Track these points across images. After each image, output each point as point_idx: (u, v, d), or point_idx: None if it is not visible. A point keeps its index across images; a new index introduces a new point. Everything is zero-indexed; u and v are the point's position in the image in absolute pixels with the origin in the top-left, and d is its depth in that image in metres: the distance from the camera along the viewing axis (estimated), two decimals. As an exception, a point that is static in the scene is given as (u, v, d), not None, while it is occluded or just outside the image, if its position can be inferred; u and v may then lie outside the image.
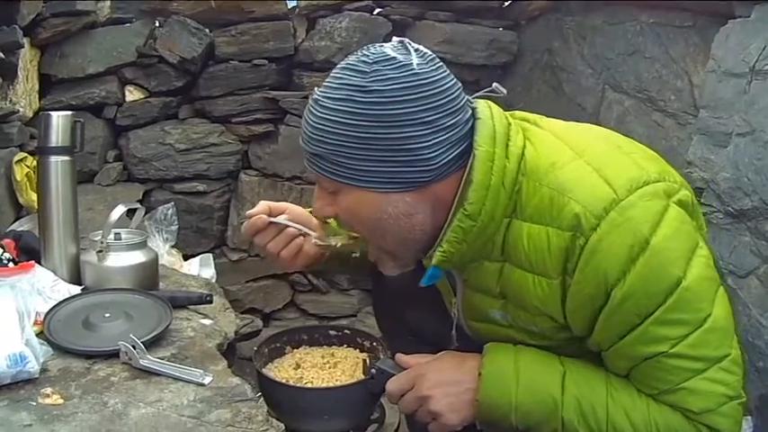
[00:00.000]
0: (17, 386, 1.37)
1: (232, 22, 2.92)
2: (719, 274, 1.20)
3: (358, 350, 1.58)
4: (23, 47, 2.50)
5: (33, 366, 1.39)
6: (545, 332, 1.26)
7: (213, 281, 2.55)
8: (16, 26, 2.37)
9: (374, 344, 1.55)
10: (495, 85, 1.28)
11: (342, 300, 3.22)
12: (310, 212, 1.28)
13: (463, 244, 1.19)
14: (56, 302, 1.68)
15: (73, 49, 2.79)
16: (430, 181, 1.17)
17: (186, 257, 2.74)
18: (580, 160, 1.17)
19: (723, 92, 1.86)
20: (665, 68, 2.35)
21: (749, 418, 1.68)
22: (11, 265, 1.84)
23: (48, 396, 1.35)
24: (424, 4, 3.06)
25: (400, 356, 1.35)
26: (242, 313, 3.01)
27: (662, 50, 2.36)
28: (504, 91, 1.27)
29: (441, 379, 1.28)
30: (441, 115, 1.14)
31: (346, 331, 1.62)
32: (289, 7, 3.01)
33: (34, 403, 1.32)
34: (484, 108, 1.22)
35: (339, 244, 1.40)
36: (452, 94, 1.17)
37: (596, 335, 1.18)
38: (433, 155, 1.15)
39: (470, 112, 1.20)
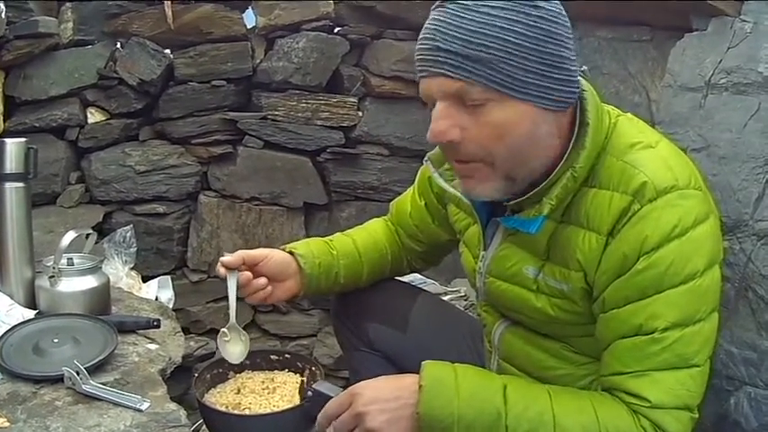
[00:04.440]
0: (-33, 410, 1.41)
1: (191, 44, 2.94)
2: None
3: (298, 374, 1.61)
4: (-15, 69, 2.52)
5: (-17, 391, 1.43)
6: (572, 294, 1.32)
7: (171, 303, 2.58)
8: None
9: (313, 368, 1.59)
10: (584, 68, 1.36)
11: (303, 320, 3.24)
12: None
13: (559, 201, 1.26)
14: (9, 327, 1.71)
15: (36, 71, 2.80)
16: (570, 105, 1.25)
17: (147, 279, 2.76)
18: (653, 149, 1.28)
19: (679, 106, 1.86)
20: (622, 84, 2.35)
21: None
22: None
23: (-4, 419, 1.39)
24: (381, 22, 3.08)
25: None
26: (203, 334, 3.03)
27: (620, 66, 2.36)
28: (589, 76, 1.36)
29: (377, 396, 1.27)
30: (573, 47, 1.24)
31: (287, 356, 1.65)
32: (248, 27, 3.02)
33: (-18, 426, 1.36)
34: (586, 83, 1.31)
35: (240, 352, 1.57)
36: None
37: (608, 293, 1.26)
38: (576, 78, 1.25)
39: None
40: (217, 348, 1.59)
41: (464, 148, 1.21)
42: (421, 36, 1.21)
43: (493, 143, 1.20)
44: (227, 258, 1.55)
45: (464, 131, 1.20)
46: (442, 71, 1.18)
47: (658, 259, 1.20)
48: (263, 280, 1.57)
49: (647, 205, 1.21)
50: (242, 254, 1.56)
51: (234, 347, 1.59)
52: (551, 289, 1.34)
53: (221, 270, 1.54)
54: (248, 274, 1.56)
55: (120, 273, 2.56)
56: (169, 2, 2.83)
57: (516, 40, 1.15)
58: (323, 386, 1.40)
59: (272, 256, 1.60)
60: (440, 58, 1.17)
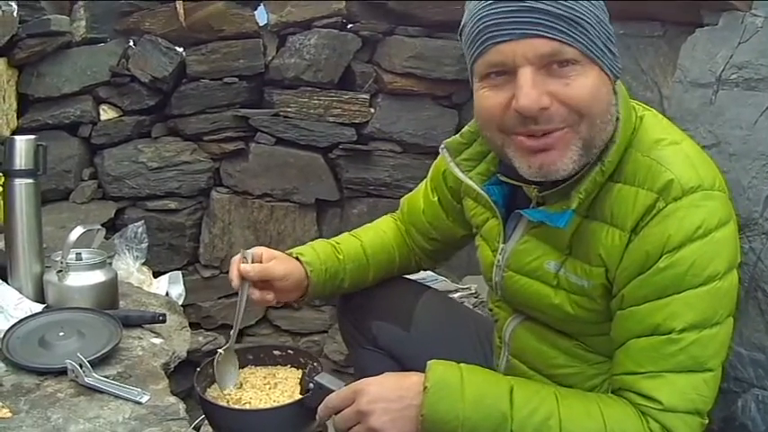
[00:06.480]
0: (-28, 400, 1.43)
1: (203, 41, 2.96)
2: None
3: (300, 370, 1.60)
4: None
5: (-13, 382, 1.44)
6: (592, 291, 1.30)
7: (181, 298, 2.59)
8: (-8, 47, 2.43)
9: (315, 364, 1.58)
10: None
11: (314, 316, 3.26)
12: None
13: (587, 194, 1.25)
14: (17, 320, 1.73)
15: (49, 69, 2.84)
16: (618, 77, 1.25)
17: (158, 275, 2.77)
18: (678, 146, 1.26)
19: (689, 103, 1.82)
20: (634, 80, 2.30)
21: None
22: (-24, 283, 1.88)
23: (-1, 409, 1.40)
24: (393, 19, 3.07)
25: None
26: (214, 329, 3.05)
27: (632, 61, 2.31)
28: None
29: (382, 394, 1.26)
30: None
31: (289, 351, 1.64)
32: (260, 24, 3.04)
33: (-15, 416, 1.38)
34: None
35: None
36: None
37: (627, 290, 1.24)
38: None
39: None
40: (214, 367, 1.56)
41: (554, 113, 1.17)
42: (491, 1, 1.17)
43: (582, 106, 1.17)
44: (249, 270, 1.49)
45: (553, 97, 1.16)
46: (538, 32, 1.13)
47: (680, 259, 1.19)
48: (271, 296, 1.56)
49: (672, 204, 1.19)
50: (261, 271, 1.51)
51: (227, 371, 1.57)
52: (571, 285, 1.32)
53: (235, 281, 1.49)
54: (259, 294, 1.54)
55: (131, 268, 2.57)
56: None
57: (594, 8, 1.17)
58: (325, 378, 1.39)
59: (291, 276, 1.57)
60: (534, 19, 1.13)
